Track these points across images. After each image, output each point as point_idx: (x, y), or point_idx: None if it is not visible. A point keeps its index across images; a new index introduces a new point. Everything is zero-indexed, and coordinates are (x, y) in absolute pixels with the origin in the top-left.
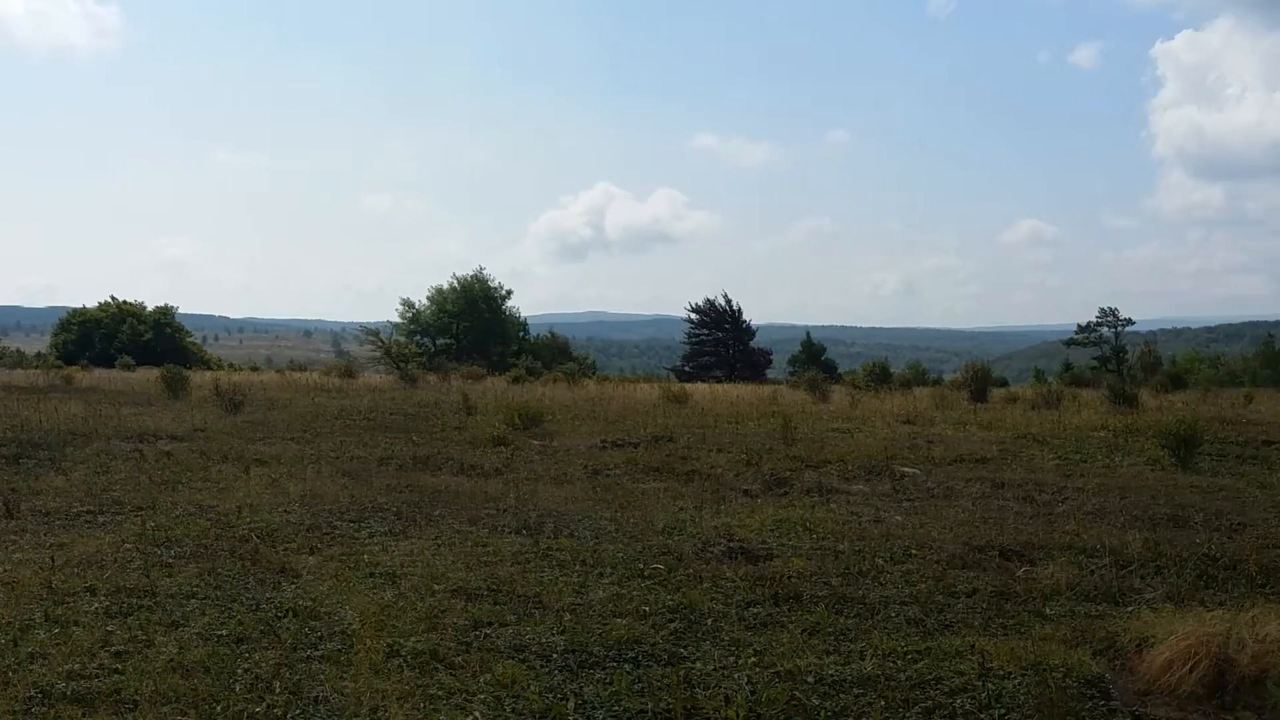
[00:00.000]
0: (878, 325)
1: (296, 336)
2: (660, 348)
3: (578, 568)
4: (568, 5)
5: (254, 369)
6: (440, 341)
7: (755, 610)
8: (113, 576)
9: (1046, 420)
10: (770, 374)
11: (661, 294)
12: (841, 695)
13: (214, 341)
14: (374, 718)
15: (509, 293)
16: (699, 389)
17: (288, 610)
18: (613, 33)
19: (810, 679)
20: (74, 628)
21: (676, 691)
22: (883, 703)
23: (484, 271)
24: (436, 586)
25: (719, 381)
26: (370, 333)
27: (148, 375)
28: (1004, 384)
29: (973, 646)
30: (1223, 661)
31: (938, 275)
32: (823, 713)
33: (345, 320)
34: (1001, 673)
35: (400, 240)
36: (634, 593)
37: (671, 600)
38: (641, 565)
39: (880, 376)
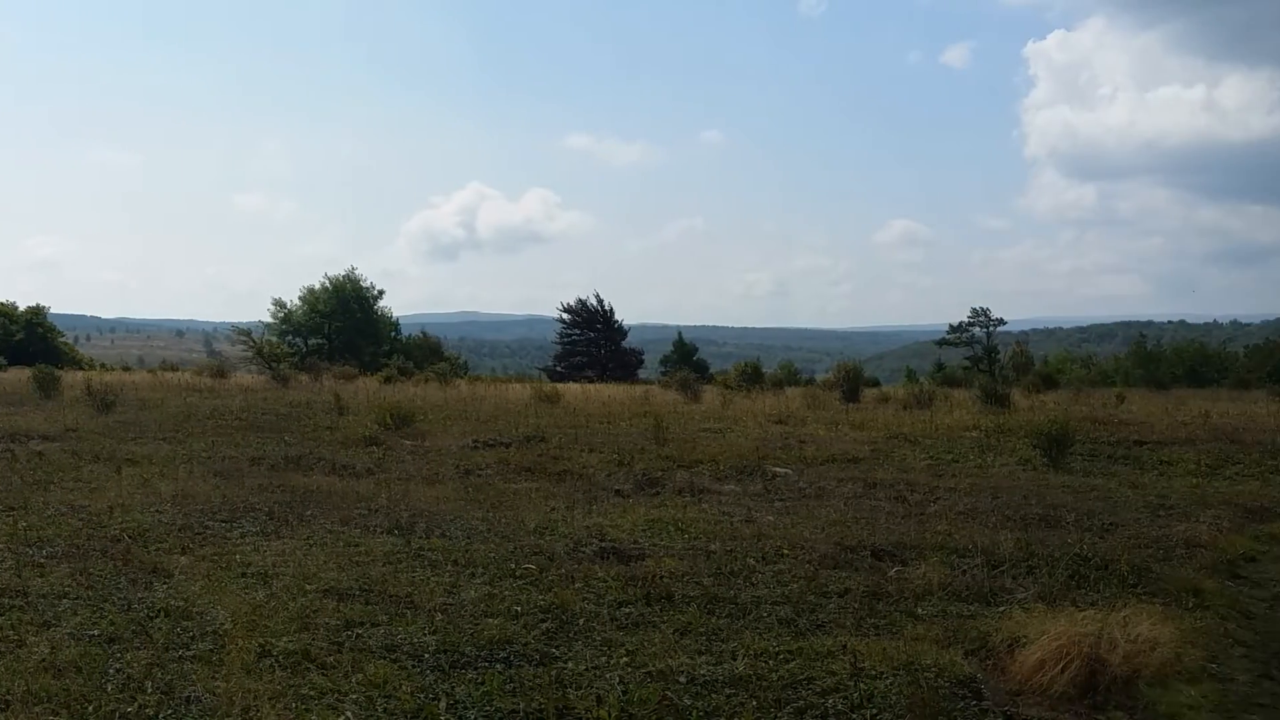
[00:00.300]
0: (750, 325)
1: (169, 336)
2: (532, 348)
3: (449, 568)
4: (441, 6)
5: (126, 369)
6: (312, 341)
7: (627, 610)
8: None
9: (918, 420)
10: (642, 374)
11: (534, 294)
12: (713, 695)
13: (86, 341)
14: (246, 718)
15: (381, 293)
16: (571, 389)
17: (160, 610)
18: (485, 33)
19: (682, 679)
20: None
21: (548, 691)
22: (755, 703)
23: (356, 271)
24: (308, 586)
25: (591, 381)
26: (242, 333)
27: (19, 375)
28: (876, 384)
29: (845, 646)
30: (1094, 662)
31: (810, 275)
32: (695, 713)
33: (218, 320)
34: (873, 673)
35: (273, 240)
36: (506, 593)
37: (543, 600)
38: (513, 565)
39: (752, 376)
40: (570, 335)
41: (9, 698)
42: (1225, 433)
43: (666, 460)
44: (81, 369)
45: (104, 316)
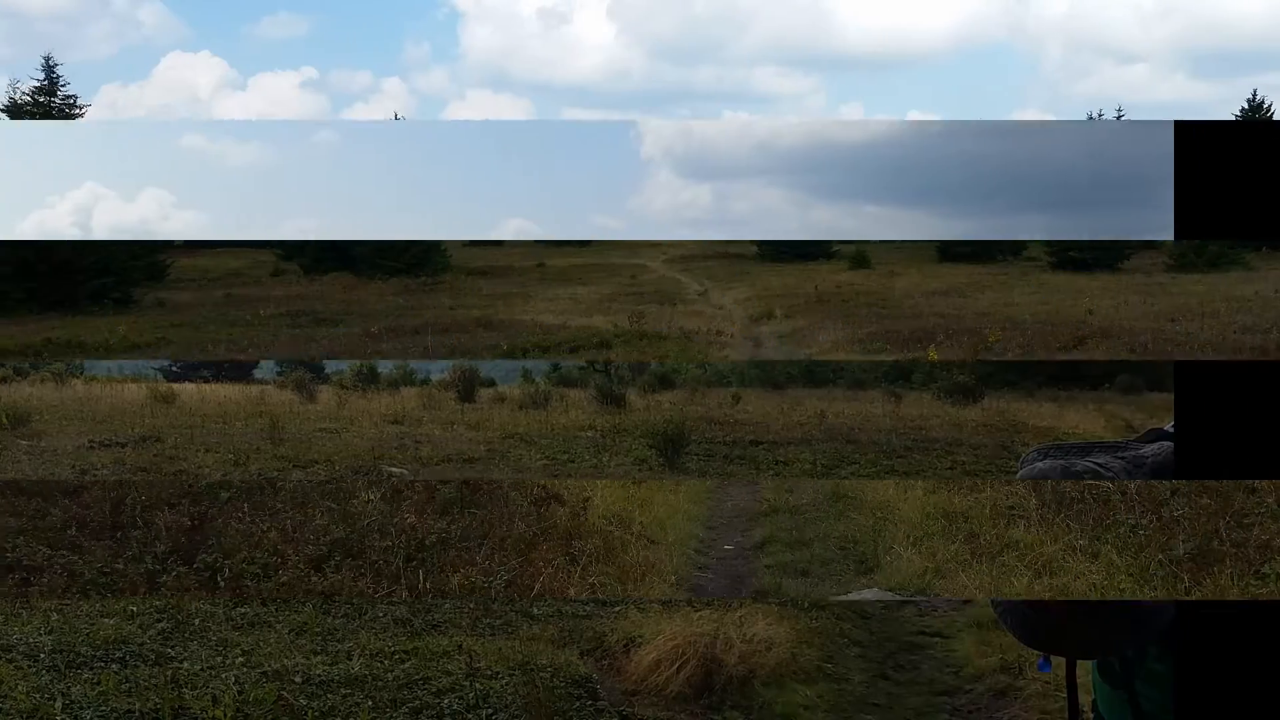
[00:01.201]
0: None
1: None
2: None
3: None
4: None
5: None
6: None
7: (243, 610)
8: None
9: (534, 420)
10: (258, 374)
11: None
12: (329, 695)
13: None
14: None
15: None
16: (187, 389)
17: None
18: None
19: (298, 679)
20: None
21: (164, 691)
22: (370, 703)
23: None
24: None
25: (206, 381)
26: None
27: None
28: (492, 384)
29: (460, 646)
30: (710, 662)
31: None
32: (311, 712)
33: None
34: (489, 673)
35: None
36: None
37: (159, 600)
38: None
39: (369, 377)
40: None
41: None
42: (840, 432)
43: (282, 460)
44: None
45: None
